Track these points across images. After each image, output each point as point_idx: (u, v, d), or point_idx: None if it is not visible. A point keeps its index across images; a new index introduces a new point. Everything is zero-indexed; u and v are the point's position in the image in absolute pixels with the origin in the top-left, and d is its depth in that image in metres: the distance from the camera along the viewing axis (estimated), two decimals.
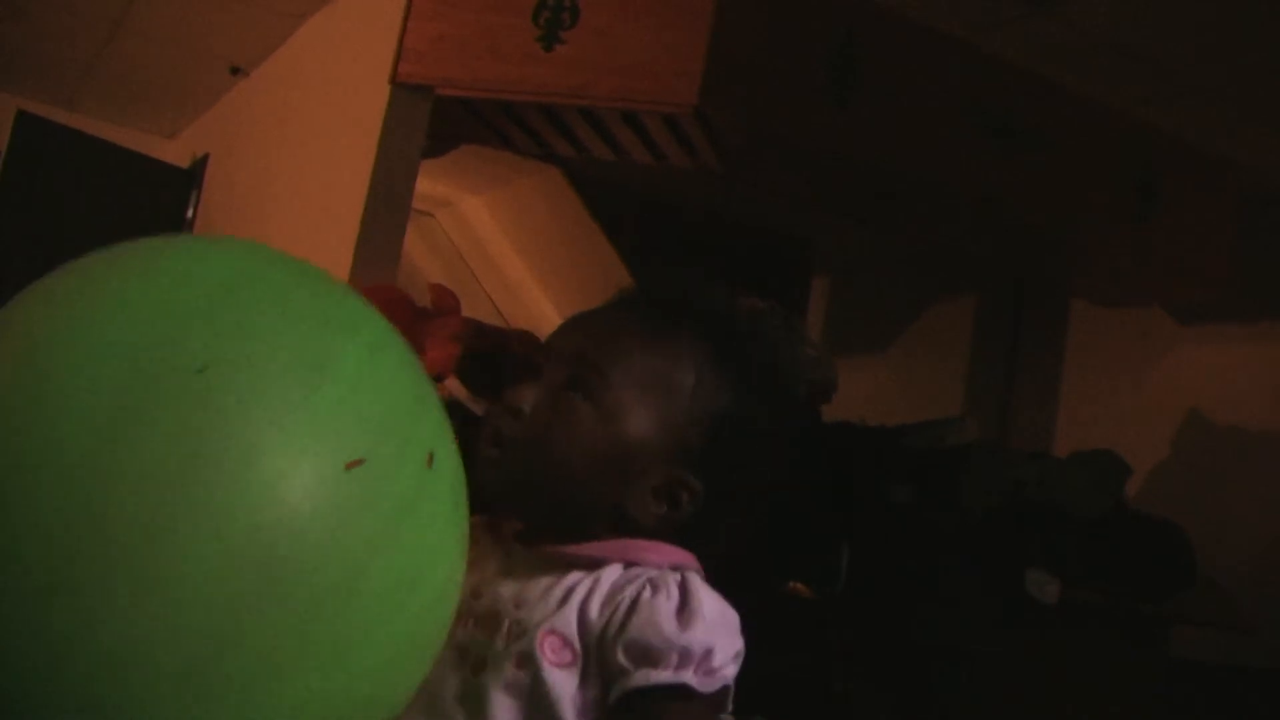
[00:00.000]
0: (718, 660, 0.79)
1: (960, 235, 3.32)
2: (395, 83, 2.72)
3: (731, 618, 0.82)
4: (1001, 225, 3.08)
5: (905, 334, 4.34)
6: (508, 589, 0.83)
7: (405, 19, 2.72)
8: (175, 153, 4.98)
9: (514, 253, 4.31)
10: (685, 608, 0.79)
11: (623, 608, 0.80)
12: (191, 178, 4.60)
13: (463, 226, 4.43)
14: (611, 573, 0.82)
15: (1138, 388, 3.63)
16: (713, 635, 0.79)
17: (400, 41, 2.72)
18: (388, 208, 2.77)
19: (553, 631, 0.79)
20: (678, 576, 0.82)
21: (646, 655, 0.78)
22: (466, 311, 2.35)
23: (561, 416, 0.85)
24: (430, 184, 3.77)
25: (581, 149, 2.87)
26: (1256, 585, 2.94)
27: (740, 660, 0.82)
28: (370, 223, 2.74)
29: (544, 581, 0.83)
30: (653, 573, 0.82)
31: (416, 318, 2.59)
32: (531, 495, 0.87)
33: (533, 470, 0.85)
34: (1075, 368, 3.86)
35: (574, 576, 0.82)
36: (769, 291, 2.43)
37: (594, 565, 0.83)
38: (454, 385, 2.17)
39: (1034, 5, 2.71)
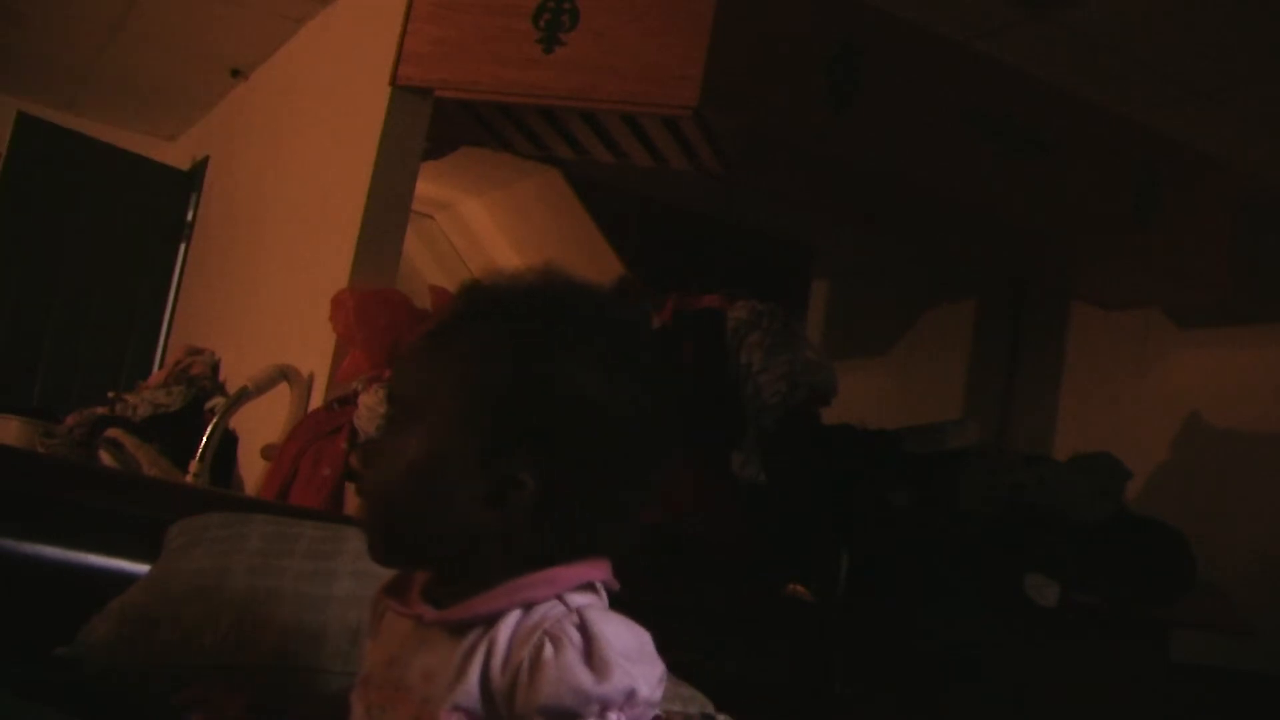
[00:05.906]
0: (642, 696, 0.75)
1: (960, 238, 3.32)
2: (395, 85, 2.72)
3: (643, 644, 0.77)
4: (1001, 228, 3.08)
5: (905, 337, 4.34)
6: (418, 661, 0.80)
7: (405, 21, 2.72)
8: (175, 155, 4.98)
9: (514, 255, 4.30)
10: (593, 654, 0.74)
11: (525, 669, 0.75)
12: (191, 180, 4.60)
13: (463, 229, 4.42)
14: (508, 625, 0.77)
15: (1137, 390, 3.63)
16: (631, 676, 0.74)
17: (400, 44, 2.72)
18: (388, 210, 2.77)
19: (456, 708, 0.76)
20: (574, 618, 0.76)
21: (565, 715, 0.73)
22: None
23: (388, 455, 0.81)
24: (430, 186, 3.77)
25: (582, 151, 2.87)
26: (1256, 588, 2.94)
27: (664, 680, 0.77)
28: (370, 225, 2.74)
29: (447, 648, 0.79)
30: (549, 619, 0.76)
31: (417, 320, 2.59)
32: (394, 543, 0.83)
33: (382, 517, 0.82)
34: (1075, 371, 3.86)
35: (472, 638, 0.78)
36: (769, 294, 2.43)
37: (490, 620, 0.78)
38: None
39: (1034, 10, 2.71)
